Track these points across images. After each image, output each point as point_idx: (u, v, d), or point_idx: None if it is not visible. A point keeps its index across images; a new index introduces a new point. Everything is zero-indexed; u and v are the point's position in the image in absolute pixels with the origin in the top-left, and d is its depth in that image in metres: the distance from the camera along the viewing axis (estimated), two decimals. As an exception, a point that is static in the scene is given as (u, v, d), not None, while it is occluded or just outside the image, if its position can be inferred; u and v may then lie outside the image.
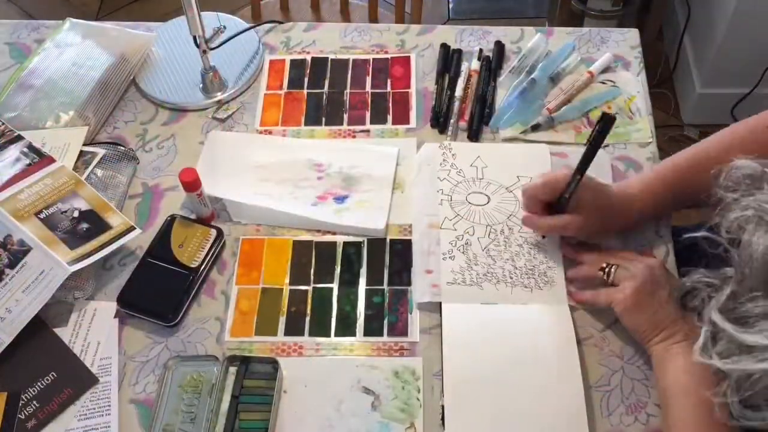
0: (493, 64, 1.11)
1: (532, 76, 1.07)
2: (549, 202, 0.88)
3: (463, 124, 1.05)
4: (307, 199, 0.98)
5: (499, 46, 1.13)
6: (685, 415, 0.75)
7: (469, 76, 1.09)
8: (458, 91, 1.07)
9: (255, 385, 0.82)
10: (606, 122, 0.81)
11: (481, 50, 1.12)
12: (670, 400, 0.76)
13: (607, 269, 0.85)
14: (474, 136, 1.04)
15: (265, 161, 1.02)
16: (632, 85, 1.09)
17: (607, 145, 1.01)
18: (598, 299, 0.86)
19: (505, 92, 1.08)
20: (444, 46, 1.13)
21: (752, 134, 0.88)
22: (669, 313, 0.81)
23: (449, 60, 1.12)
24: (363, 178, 1.00)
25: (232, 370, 0.83)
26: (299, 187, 0.99)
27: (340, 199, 0.98)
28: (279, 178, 1.00)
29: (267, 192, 0.98)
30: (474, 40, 1.16)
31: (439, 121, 1.05)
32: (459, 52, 1.13)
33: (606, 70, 1.11)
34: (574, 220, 0.86)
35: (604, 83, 1.09)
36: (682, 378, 0.76)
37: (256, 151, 1.03)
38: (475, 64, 1.10)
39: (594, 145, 0.83)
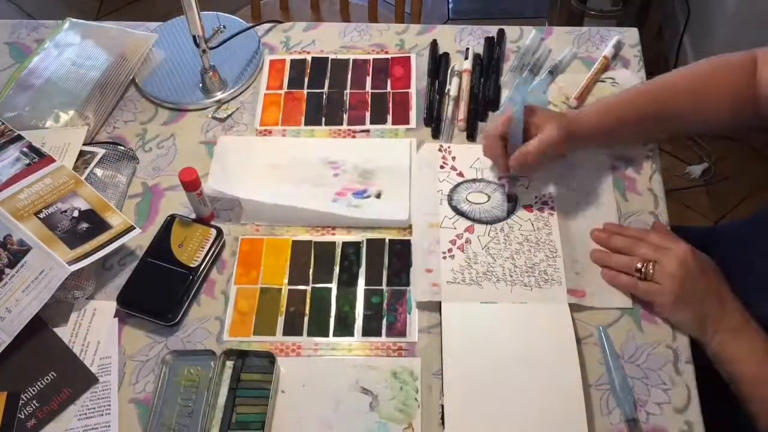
0: (483, 61, 1.11)
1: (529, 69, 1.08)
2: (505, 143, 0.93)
3: (461, 124, 1.05)
4: (327, 196, 0.98)
5: (489, 42, 1.14)
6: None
7: (461, 76, 1.09)
8: (452, 92, 1.07)
9: (252, 379, 0.82)
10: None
11: (467, 49, 1.12)
12: (757, 387, 0.78)
13: (643, 270, 0.85)
14: (471, 135, 1.04)
15: (279, 162, 1.01)
16: (633, 82, 1.08)
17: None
18: (636, 290, 0.87)
19: (507, 91, 1.08)
20: (433, 44, 1.14)
21: (719, 77, 0.93)
22: (713, 303, 0.82)
23: (438, 61, 1.12)
24: (379, 171, 1.00)
25: (229, 364, 0.83)
26: (317, 185, 0.99)
27: (359, 193, 0.98)
28: (295, 178, 1.00)
29: (285, 192, 0.98)
30: (473, 40, 1.16)
31: (432, 124, 1.05)
32: (446, 55, 1.13)
33: (615, 55, 1.11)
34: (546, 136, 0.89)
35: (604, 81, 1.09)
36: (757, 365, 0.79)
37: (268, 154, 1.03)
38: (467, 64, 1.10)
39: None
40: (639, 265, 0.86)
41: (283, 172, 1.00)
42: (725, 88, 0.92)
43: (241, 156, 1.02)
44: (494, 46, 1.13)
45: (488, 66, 1.11)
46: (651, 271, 0.85)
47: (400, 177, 0.99)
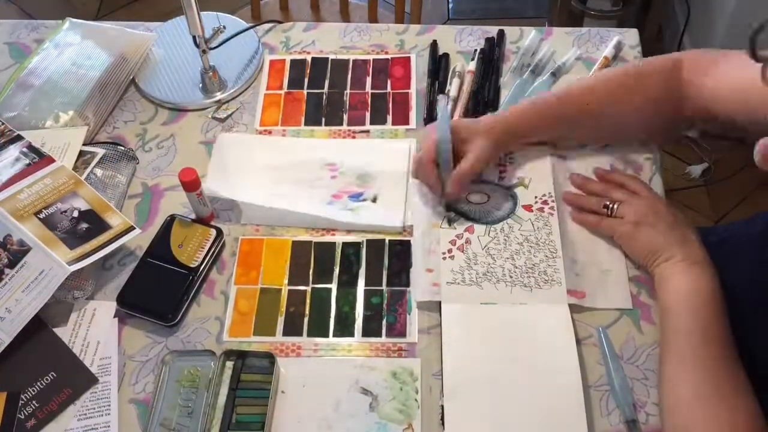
0: (484, 61, 1.11)
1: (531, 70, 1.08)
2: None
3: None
4: (322, 198, 0.98)
5: (490, 43, 1.14)
6: (684, 325, 0.78)
7: (463, 76, 1.09)
8: (452, 92, 1.07)
9: (252, 379, 0.82)
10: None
11: (475, 51, 1.12)
12: (669, 314, 0.80)
13: (610, 205, 0.89)
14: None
15: (277, 163, 1.01)
16: None
17: (607, 145, 1.01)
18: (600, 225, 0.91)
19: (507, 92, 1.08)
20: (433, 45, 1.14)
21: (640, 79, 0.93)
22: (667, 239, 0.85)
23: (438, 62, 1.12)
24: (377, 175, 1.00)
25: (229, 364, 0.83)
26: (314, 186, 0.99)
27: (355, 196, 0.98)
28: (292, 179, 1.00)
29: (281, 193, 0.98)
30: (473, 40, 1.16)
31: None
32: (446, 55, 1.13)
33: (615, 55, 1.11)
34: (477, 152, 0.91)
35: None
36: (683, 293, 0.80)
37: (267, 153, 1.03)
38: (472, 65, 1.10)
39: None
40: (607, 202, 0.90)
41: (280, 173, 1.00)
42: (643, 89, 0.92)
43: (239, 154, 1.02)
44: (494, 47, 1.13)
45: (488, 67, 1.11)
46: (616, 207, 0.89)
47: (398, 181, 0.99)
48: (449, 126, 0.91)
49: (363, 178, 0.99)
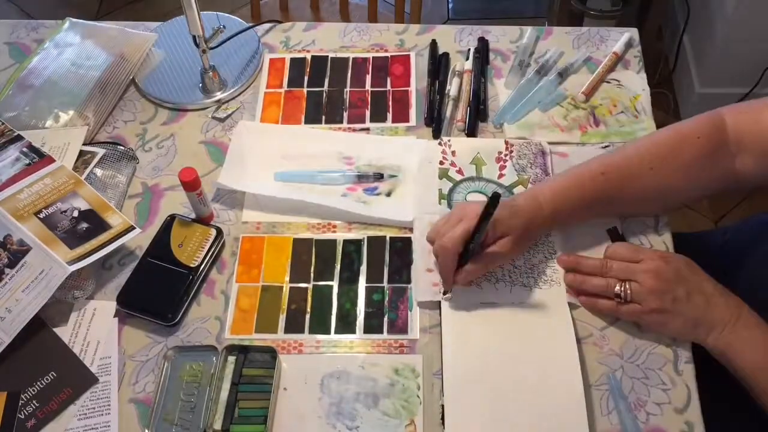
0: (481, 61, 1.11)
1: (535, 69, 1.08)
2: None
3: (461, 124, 1.05)
4: (337, 190, 0.98)
5: (484, 42, 1.14)
6: None
7: (462, 76, 1.09)
8: (452, 92, 1.07)
9: (254, 374, 0.82)
10: (493, 199, 0.77)
11: (469, 50, 1.13)
12: (763, 373, 0.78)
13: (622, 293, 0.83)
14: (470, 134, 1.04)
15: (293, 153, 1.02)
16: (637, 84, 1.09)
17: (608, 145, 1.01)
18: (619, 312, 0.85)
19: (509, 91, 1.08)
20: (433, 44, 1.14)
21: (684, 142, 0.87)
22: (699, 304, 0.81)
23: (437, 62, 1.12)
24: (392, 170, 1.00)
25: (231, 359, 0.83)
26: (329, 178, 1.00)
27: (370, 190, 0.98)
28: (308, 169, 1.00)
29: (296, 184, 0.99)
30: (473, 40, 1.16)
31: (432, 125, 1.05)
32: (446, 55, 1.13)
33: (625, 52, 1.11)
34: (502, 248, 0.84)
35: (609, 83, 1.09)
36: (761, 350, 0.78)
37: (284, 142, 1.03)
38: (468, 65, 1.10)
39: (484, 218, 0.79)
40: (617, 290, 0.83)
41: (296, 163, 1.01)
42: (690, 161, 0.86)
43: (257, 142, 1.03)
44: (488, 48, 1.14)
45: (484, 65, 1.11)
46: (629, 293, 0.83)
47: (409, 177, 0.99)
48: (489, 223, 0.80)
49: (379, 172, 1.00)
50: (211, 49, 1.08)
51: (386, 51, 1.15)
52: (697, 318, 0.81)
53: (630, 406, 0.80)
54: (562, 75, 1.09)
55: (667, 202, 0.93)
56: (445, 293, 0.87)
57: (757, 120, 0.85)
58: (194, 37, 1.04)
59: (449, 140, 1.01)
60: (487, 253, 0.84)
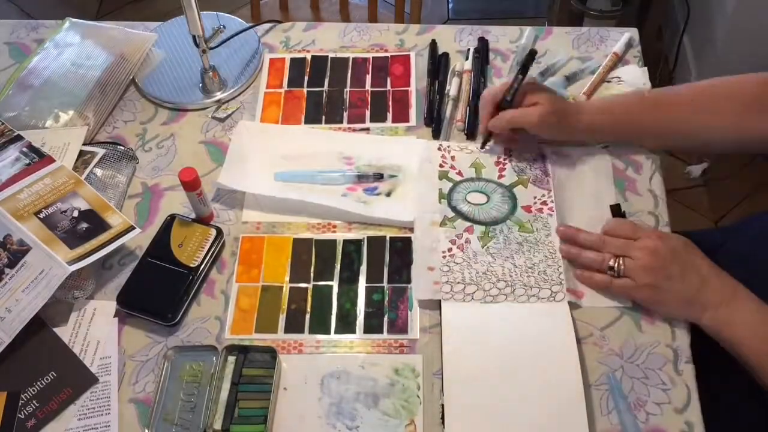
0: (481, 61, 1.11)
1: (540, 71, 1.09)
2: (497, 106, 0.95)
3: (461, 124, 1.05)
4: (337, 190, 0.98)
5: (484, 42, 1.14)
6: None
7: (462, 76, 1.09)
8: (452, 92, 1.07)
9: (254, 374, 0.82)
10: (531, 55, 0.95)
11: (468, 50, 1.12)
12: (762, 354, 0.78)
13: (615, 267, 0.85)
14: (470, 134, 1.04)
15: (294, 153, 1.02)
16: (639, 81, 1.08)
17: (608, 145, 1.01)
18: (611, 287, 0.86)
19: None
20: (433, 44, 1.14)
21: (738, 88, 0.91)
22: (693, 283, 0.82)
23: (437, 61, 1.12)
24: (393, 170, 1.00)
25: (231, 359, 0.83)
26: (329, 178, 0.99)
27: (370, 190, 0.98)
28: (308, 169, 1.00)
29: (296, 184, 0.99)
30: (473, 40, 1.16)
31: (432, 125, 1.05)
32: (446, 55, 1.13)
33: (625, 53, 1.11)
34: (533, 109, 0.92)
35: (610, 81, 1.09)
36: (756, 326, 0.79)
37: (285, 142, 1.03)
38: (467, 65, 1.10)
39: (520, 71, 0.94)
40: (611, 263, 0.85)
41: (296, 163, 1.01)
42: (730, 105, 0.90)
43: (257, 143, 1.03)
44: (488, 48, 1.14)
45: (484, 65, 1.11)
46: (622, 267, 0.85)
47: (409, 177, 0.99)
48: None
49: (379, 172, 1.00)
50: (211, 49, 1.08)
51: (386, 51, 1.15)
52: (691, 297, 0.82)
53: (630, 406, 0.80)
54: (570, 79, 1.09)
55: (699, 141, 0.95)
56: (483, 144, 0.99)
57: None
58: (194, 37, 1.04)
59: (449, 146, 1.01)
60: (516, 110, 0.93)
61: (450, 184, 0.97)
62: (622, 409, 0.80)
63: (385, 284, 0.91)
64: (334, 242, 0.94)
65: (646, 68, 1.10)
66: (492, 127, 0.96)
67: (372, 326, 0.87)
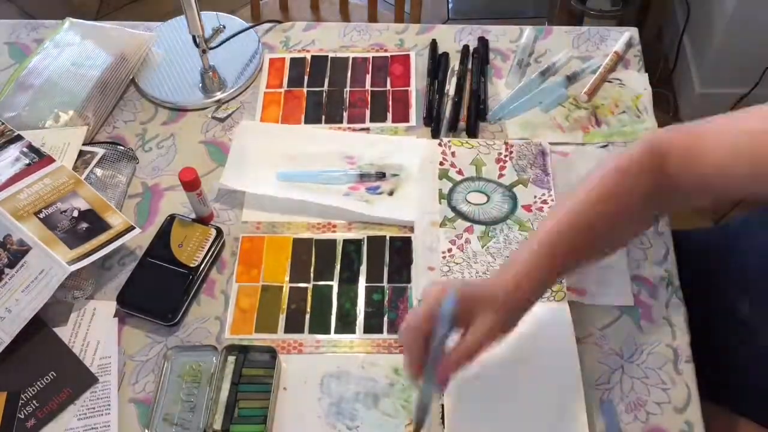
0: (481, 61, 1.11)
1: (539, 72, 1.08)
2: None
3: (461, 124, 1.05)
4: (339, 189, 0.98)
5: (484, 42, 1.14)
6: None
7: (460, 75, 1.09)
8: (451, 91, 1.07)
9: (254, 374, 0.82)
10: None
11: (466, 46, 1.12)
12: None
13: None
14: (471, 133, 1.04)
15: (296, 153, 1.02)
16: (639, 83, 1.09)
17: (606, 144, 1.01)
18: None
19: (509, 90, 1.08)
20: (433, 44, 1.14)
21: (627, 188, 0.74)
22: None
23: (437, 61, 1.12)
24: (394, 169, 1.00)
25: (231, 359, 0.83)
26: (331, 177, 1.00)
27: (373, 189, 0.98)
28: (311, 168, 1.00)
29: (298, 184, 0.99)
30: (473, 40, 1.16)
31: (432, 125, 1.05)
32: (446, 54, 1.13)
33: (626, 52, 1.11)
34: (482, 327, 0.69)
35: (611, 82, 1.09)
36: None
37: (287, 142, 1.03)
38: (461, 63, 1.10)
39: None
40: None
41: (298, 163, 1.01)
42: (636, 199, 0.74)
43: (258, 143, 1.03)
44: (487, 48, 1.14)
45: (483, 64, 1.11)
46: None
47: (411, 177, 0.99)
48: (453, 307, 0.68)
49: (381, 171, 1.00)
50: (211, 49, 1.08)
51: (386, 51, 1.15)
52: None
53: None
54: (571, 79, 1.09)
55: (617, 244, 0.81)
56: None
57: (694, 156, 0.72)
58: (194, 37, 1.04)
59: (449, 141, 1.01)
60: (468, 334, 0.69)
61: (450, 184, 0.97)
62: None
63: (385, 284, 0.91)
64: (334, 242, 0.94)
65: (646, 74, 1.10)
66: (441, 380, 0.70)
67: (372, 326, 0.87)
